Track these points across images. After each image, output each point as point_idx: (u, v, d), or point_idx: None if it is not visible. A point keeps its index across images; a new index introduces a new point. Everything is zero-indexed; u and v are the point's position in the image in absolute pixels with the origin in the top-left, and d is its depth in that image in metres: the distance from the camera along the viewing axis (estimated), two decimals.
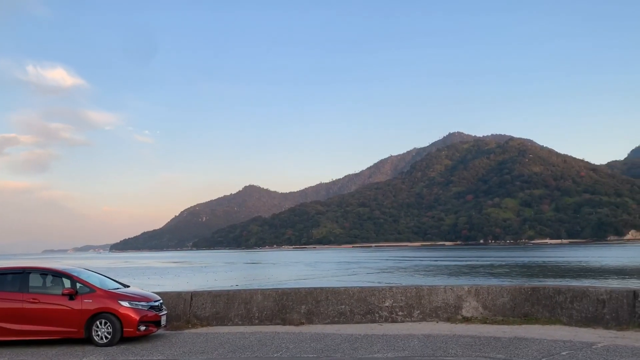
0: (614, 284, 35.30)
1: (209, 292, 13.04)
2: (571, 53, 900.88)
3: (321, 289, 12.62)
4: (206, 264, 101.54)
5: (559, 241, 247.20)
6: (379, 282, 41.70)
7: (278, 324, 12.13)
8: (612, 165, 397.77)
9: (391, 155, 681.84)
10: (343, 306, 12.22)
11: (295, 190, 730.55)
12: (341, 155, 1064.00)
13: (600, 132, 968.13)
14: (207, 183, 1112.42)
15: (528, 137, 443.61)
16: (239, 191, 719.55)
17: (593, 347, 8.37)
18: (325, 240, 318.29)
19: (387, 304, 12.10)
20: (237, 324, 12.34)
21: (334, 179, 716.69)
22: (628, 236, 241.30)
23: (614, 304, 10.16)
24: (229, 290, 13.16)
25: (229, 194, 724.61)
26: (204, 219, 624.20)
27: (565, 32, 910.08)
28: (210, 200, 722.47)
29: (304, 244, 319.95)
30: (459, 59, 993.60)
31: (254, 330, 11.39)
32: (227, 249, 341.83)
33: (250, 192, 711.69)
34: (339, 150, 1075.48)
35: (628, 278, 41.40)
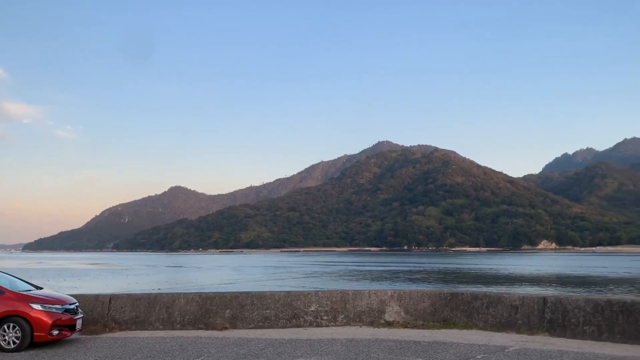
0: (527, 290, 37.31)
1: (129, 295, 12.57)
2: (491, 70, 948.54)
3: (247, 293, 12.48)
4: (127, 266, 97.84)
5: (477, 249, 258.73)
6: (303, 287, 41.84)
7: (201, 328, 11.87)
8: (527, 178, 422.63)
9: (322, 161, 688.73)
10: (268, 311, 12.14)
11: (224, 193, 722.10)
12: (272, 158, 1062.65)
13: (518, 147, 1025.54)
14: (130, 182, 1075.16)
15: (452, 149, 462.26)
16: (165, 192, 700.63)
17: (505, 350, 8.78)
18: (253, 244, 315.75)
19: (312, 309, 12.15)
20: (157, 329, 11.96)
21: (265, 183, 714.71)
22: (540, 246, 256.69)
23: (525, 309, 10.72)
24: (150, 294, 12.74)
25: (153, 194, 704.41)
26: (127, 219, 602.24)
27: (486, 50, 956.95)
28: (134, 201, 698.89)
29: (231, 247, 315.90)
30: (388, 69, 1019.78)
31: (175, 335, 11.08)
32: (149, 252, 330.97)
33: (177, 193, 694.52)
34: (270, 153, 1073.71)
35: (539, 285, 43.91)
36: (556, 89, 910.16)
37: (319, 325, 11.99)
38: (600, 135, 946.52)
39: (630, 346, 8.93)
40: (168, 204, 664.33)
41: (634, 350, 8.51)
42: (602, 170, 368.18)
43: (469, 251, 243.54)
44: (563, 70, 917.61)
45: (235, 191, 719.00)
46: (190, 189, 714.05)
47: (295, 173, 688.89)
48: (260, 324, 12.04)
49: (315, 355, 8.74)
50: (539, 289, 39.98)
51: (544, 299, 10.54)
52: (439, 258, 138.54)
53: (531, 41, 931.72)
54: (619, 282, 46.72)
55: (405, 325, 11.73)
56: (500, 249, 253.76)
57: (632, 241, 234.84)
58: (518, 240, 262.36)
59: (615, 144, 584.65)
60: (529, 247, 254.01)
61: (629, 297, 9.81)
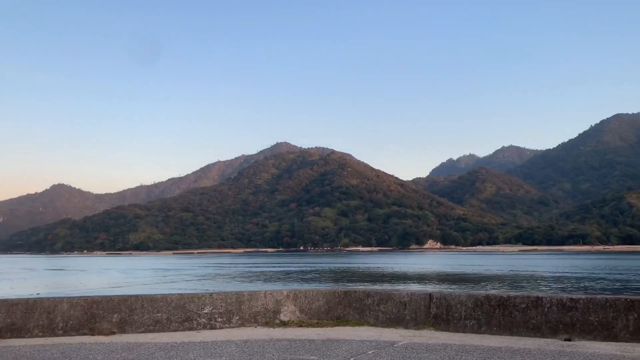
0: (414, 287, 39.26)
1: (4, 301, 11.52)
2: (384, 78, 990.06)
3: (136, 296, 11.94)
4: (0, 270, 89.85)
5: (369, 248, 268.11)
6: (195, 289, 40.90)
7: (86, 334, 11.17)
8: (416, 181, 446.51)
9: (219, 161, 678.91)
10: (160, 314, 11.71)
11: (112, 192, 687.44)
12: (166, 157, 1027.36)
13: (408, 152, 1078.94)
14: (6, 179, 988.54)
15: (347, 152, 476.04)
16: (46, 190, 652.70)
17: (395, 345, 9.16)
18: (143, 246, 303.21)
19: (206, 311, 11.89)
20: (37, 336, 11.08)
21: (157, 182, 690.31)
22: (427, 245, 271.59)
23: (413, 305, 11.25)
24: (28, 299, 11.77)
25: (33, 192, 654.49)
26: (1, 219, 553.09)
27: (380, 58, 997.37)
28: (10, 199, 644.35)
29: (119, 249, 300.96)
30: (285, 70, 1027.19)
31: (57, 342, 10.34)
32: (27, 254, 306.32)
33: (59, 191, 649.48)
34: (163, 151, 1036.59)
35: (425, 282, 46.40)
36: (443, 97, 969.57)
37: (213, 328, 11.76)
38: (481, 142, 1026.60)
39: (505, 337, 9.71)
40: (49, 202, 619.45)
41: (508, 341, 9.26)
42: (482, 175, 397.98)
43: (362, 251, 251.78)
44: (449, 82, 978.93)
45: (124, 190, 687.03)
46: (74, 187, 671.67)
47: (190, 172, 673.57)
48: (151, 327, 11.58)
49: (209, 358, 8.57)
50: (425, 286, 42.24)
51: (430, 295, 11.11)
52: (333, 258, 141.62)
53: (427, 52, 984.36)
54: (495, 278, 50.64)
55: (300, 324, 11.84)
56: (391, 248, 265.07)
57: (508, 241, 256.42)
58: (407, 240, 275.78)
59: (494, 150, 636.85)
60: (417, 246, 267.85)
61: (504, 293, 10.66)
